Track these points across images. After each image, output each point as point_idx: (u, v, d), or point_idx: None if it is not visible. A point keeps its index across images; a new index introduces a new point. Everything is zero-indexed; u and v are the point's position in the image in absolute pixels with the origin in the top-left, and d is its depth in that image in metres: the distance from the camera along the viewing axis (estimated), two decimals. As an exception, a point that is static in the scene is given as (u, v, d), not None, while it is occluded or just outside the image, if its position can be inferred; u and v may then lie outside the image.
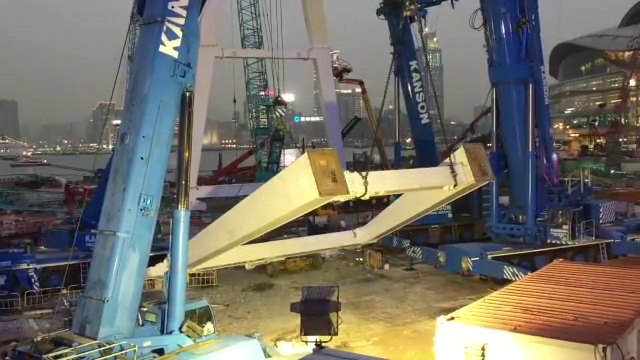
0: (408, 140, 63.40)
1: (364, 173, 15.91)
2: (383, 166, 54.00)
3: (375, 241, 25.53)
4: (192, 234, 17.02)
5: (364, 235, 24.21)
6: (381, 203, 29.83)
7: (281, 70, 29.21)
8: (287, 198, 15.49)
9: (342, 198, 15.75)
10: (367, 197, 16.26)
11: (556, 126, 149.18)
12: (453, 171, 18.01)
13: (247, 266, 24.11)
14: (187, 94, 15.87)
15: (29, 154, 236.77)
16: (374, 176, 16.29)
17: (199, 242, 18.31)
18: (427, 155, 41.61)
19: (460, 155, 18.26)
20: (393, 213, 22.51)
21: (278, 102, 40.77)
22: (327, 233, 29.38)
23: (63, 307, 22.67)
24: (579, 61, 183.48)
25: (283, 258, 27.44)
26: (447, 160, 18.49)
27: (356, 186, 15.63)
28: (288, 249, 24.35)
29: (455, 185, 18.03)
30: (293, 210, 15.72)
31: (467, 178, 18.12)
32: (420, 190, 18.65)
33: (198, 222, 36.25)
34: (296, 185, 15.06)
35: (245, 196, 17.61)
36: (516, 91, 30.51)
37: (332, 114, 55.43)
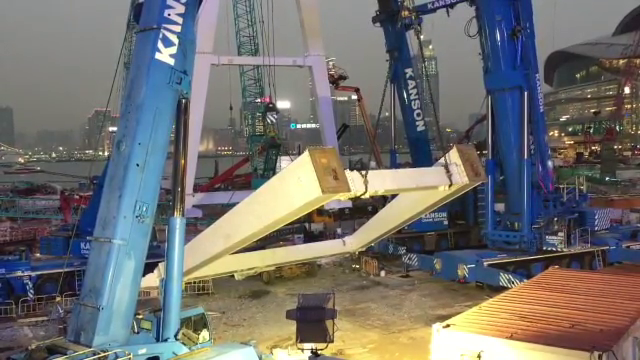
0: (397, 147, 63.46)
1: (364, 172, 15.92)
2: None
3: (364, 249, 25.48)
4: (187, 241, 16.94)
5: (353, 243, 24.17)
6: (377, 211, 29.86)
7: (276, 77, 29.25)
8: (288, 198, 15.36)
9: (343, 197, 15.71)
10: (367, 196, 16.24)
11: (551, 133, 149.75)
12: (448, 171, 18.09)
13: (237, 277, 23.96)
14: (183, 101, 15.87)
15: (23, 161, 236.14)
16: (373, 175, 16.31)
17: (193, 248, 18.18)
18: (423, 162, 41.58)
19: (454, 155, 18.33)
20: (382, 220, 22.51)
21: (269, 108, 40.70)
22: (323, 240, 29.40)
23: (58, 315, 22.53)
24: (574, 69, 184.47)
25: (273, 267, 27.32)
26: (441, 160, 18.54)
27: (356, 184, 15.61)
28: (278, 258, 24.28)
29: (450, 185, 18.10)
30: (294, 210, 15.60)
31: (461, 178, 18.21)
32: (416, 190, 18.68)
33: (194, 229, 36.22)
34: (297, 184, 14.94)
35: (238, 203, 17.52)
36: (511, 98, 30.58)
37: (328, 121, 55.30)
